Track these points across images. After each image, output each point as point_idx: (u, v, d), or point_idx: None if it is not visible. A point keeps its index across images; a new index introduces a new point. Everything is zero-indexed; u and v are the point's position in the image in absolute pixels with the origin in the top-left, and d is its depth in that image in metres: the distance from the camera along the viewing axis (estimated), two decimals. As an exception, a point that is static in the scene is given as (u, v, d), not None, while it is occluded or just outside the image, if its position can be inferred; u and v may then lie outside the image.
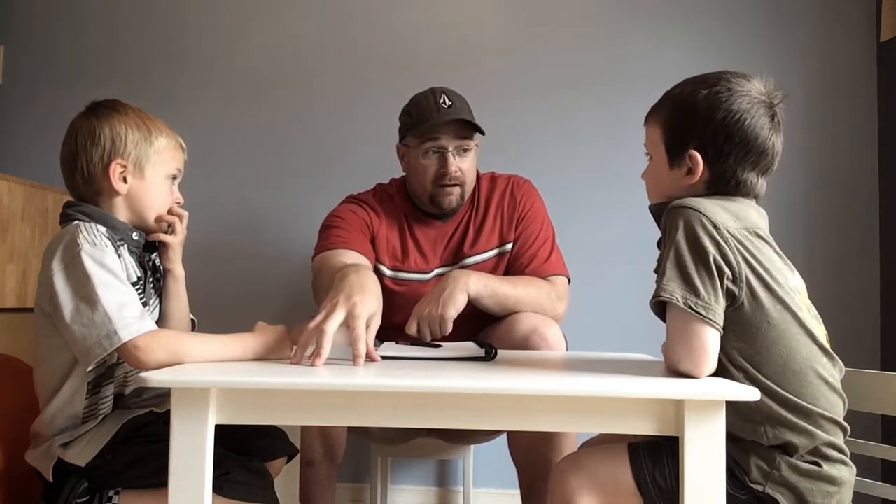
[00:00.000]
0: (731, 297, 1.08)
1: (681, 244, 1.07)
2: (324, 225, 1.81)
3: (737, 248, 1.09)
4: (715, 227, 1.08)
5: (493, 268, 1.80)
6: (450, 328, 1.60)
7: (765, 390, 1.07)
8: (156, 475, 1.02)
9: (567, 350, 1.65)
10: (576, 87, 2.34)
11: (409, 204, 1.88)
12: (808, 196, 2.24)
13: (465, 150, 1.80)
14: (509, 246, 1.84)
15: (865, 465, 1.14)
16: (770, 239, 1.16)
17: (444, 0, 2.40)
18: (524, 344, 1.60)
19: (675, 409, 0.98)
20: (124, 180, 1.26)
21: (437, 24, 2.39)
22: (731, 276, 1.07)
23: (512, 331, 1.63)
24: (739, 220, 1.12)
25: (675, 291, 1.05)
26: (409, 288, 1.80)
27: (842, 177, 2.27)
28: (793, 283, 1.15)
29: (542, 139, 2.34)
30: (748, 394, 0.96)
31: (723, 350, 1.09)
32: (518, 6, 2.39)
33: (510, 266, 1.83)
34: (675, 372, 1.08)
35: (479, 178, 1.91)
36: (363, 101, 2.21)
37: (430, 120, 1.76)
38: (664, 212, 1.13)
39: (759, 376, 1.08)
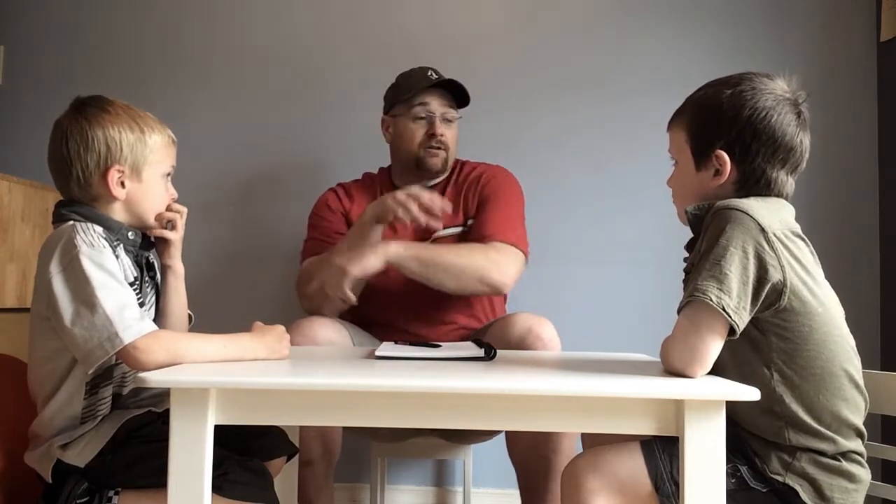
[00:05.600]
0: (775, 300, 1.07)
1: (725, 246, 1.05)
2: (308, 224, 1.91)
3: (782, 251, 1.07)
4: (762, 230, 1.06)
5: (457, 242, 1.81)
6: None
7: (798, 395, 1.08)
8: (155, 475, 1.02)
9: (561, 350, 1.65)
10: (576, 87, 2.33)
11: (390, 183, 1.96)
12: (808, 196, 2.24)
13: (450, 120, 1.90)
14: (471, 222, 1.87)
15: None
16: (804, 237, 1.14)
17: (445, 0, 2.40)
18: (520, 344, 1.59)
19: (675, 409, 0.98)
20: (122, 185, 1.23)
21: (438, 24, 2.39)
22: (778, 281, 1.06)
23: (507, 331, 1.63)
24: (781, 221, 1.11)
25: (709, 290, 1.03)
26: None
27: (842, 177, 2.27)
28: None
29: (542, 139, 2.33)
30: (748, 394, 0.95)
31: (760, 353, 1.09)
32: (518, 6, 2.39)
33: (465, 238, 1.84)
34: (667, 365, 1.08)
35: (458, 162, 1.97)
36: (363, 100, 2.20)
37: (420, 85, 1.87)
38: (707, 213, 1.11)
39: (797, 380, 1.08)
